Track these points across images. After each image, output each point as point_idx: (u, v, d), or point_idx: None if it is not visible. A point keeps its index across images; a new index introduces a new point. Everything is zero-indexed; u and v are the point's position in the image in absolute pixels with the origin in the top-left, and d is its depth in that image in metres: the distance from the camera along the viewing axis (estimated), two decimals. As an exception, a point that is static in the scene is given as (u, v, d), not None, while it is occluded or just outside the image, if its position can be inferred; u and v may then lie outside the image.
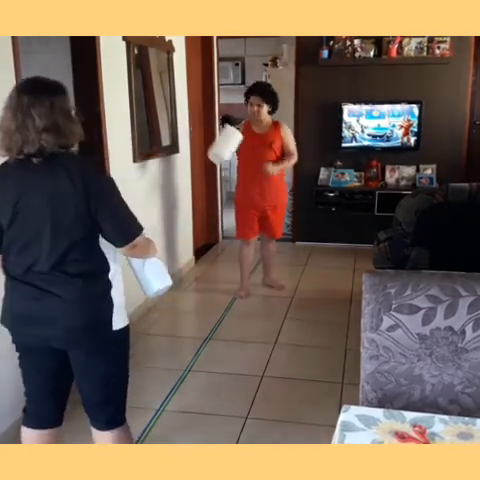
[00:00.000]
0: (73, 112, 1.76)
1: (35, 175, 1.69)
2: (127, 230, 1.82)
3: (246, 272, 4.42)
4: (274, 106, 4.10)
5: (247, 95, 4.10)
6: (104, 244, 1.80)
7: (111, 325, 1.83)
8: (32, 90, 1.67)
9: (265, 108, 4.04)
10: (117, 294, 1.86)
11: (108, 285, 1.82)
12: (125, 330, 1.90)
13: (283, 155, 4.13)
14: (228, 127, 4.04)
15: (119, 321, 1.86)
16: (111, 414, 1.94)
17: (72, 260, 1.73)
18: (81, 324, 1.78)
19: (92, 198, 1.70)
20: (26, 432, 2.03)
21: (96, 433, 1.97)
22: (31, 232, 1.71)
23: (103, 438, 1.96)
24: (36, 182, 1.69)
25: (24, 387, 2.00)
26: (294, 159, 4.17)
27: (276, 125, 4.14)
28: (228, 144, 3.95)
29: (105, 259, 1.81)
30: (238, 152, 4.18)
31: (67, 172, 1.68)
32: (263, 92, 4.06)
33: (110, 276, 1.83)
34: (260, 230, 4.34)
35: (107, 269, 1.82)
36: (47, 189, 1.68)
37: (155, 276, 1.97)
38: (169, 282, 2.02)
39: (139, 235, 1.84)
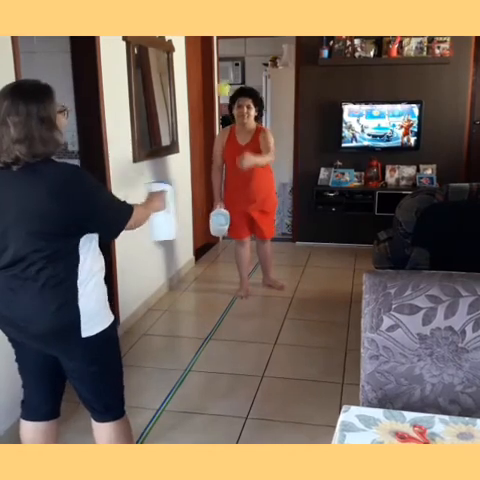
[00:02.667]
0: (58, 116, 1.71)
1: (13, 183, 1.66)
2: (117, 221, 1.84)
3: (244, 272, 4.41)
4: (260, 111, 4.06)
5: (235, 97, 4.03)
6: (83, 247, 1.77)
7: (78, 332, 1.77)
8: (11, 96, 1.62)
9: (253, 111, 3.99)
10: (89, 300, 1.79)
11: (73, 292, 1.75)
12: (104, 333, 1.84)
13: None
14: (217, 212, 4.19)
15: (93, 327, 1.81)
16: (104, 408, 1.96)
17: (40, 267, 1.70)
18: (42, 330, 1.76)
19: (75, 207, 1.68)
20: (23, 424, 2.06)
21: (94, 424, 2.00)
22: (6, 235, 1.69)
23: (100, 429, 1.98)
24: (14, 190, 1.66)
25: (21, 379, 2.02)
26: (270, 156, 3.97)
27: (258, 132, 4.03)
28: (222, 225, 4.18)
29: (74, 265, 1.75)
30: (223, 158, 4.16)
31: (44, 182, 1.65)
32: (252, 94, 4.02)
33: (79, 282, 1.76)
34: (252, 231, 4.32)
35: (74, 276, 1.75)
36: (23, 197, 1.65)
37: (160, 227, 2.14)
38: (171, 236, 2.19)
39: (130, 217, 1.85)
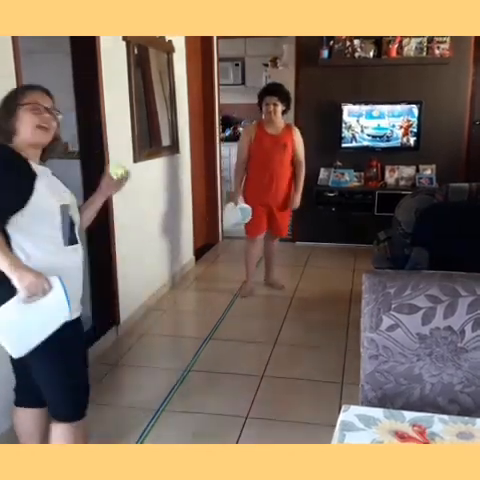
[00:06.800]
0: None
1: None
2: None
3: (252, 270, 4.44)
4: (288, 106, 4.16)
5: (262, 96, 4.13)
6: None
7: None
8: None
9: (280, 107, 4.08)
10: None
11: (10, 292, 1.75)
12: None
13: (292, 161, 4.21)
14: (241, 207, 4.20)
15: None
16: (52, 407, 1.98)
17: None
18: None
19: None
20: (17, 411, 2.12)
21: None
22: None
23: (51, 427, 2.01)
24: None
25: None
26: (303, 171, 4.27)
27: (289, 128, 4.21)
28: (243, 220, 4.22)
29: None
30: (250, 152, 4.18)
31: None
32: (278, 91, 4.11)
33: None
34: (268, 227, 4.36)
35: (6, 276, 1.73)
36: None
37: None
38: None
39: None
